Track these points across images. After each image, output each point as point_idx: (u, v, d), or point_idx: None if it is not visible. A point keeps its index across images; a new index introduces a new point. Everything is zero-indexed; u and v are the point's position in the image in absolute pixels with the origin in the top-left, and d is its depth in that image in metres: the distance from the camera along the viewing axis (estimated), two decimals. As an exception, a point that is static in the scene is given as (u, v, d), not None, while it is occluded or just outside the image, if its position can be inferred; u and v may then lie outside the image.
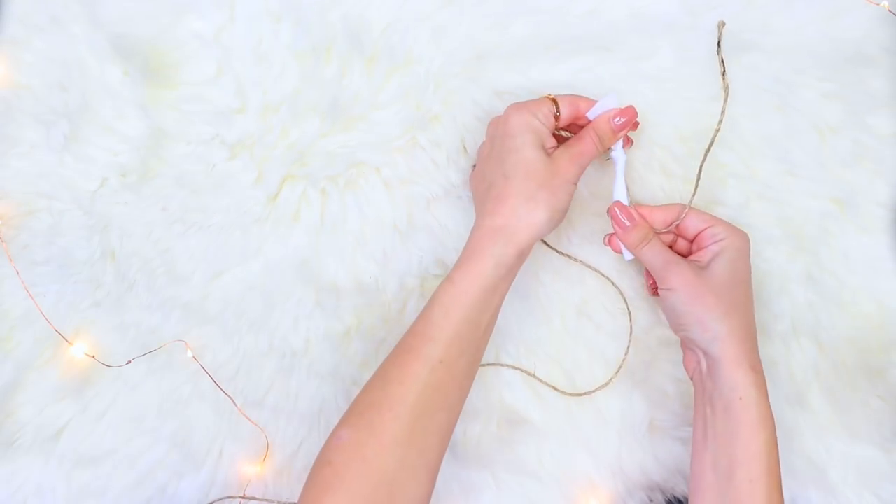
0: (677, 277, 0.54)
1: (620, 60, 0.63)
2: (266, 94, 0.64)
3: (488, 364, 0.64)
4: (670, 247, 0.58)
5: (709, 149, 0.58)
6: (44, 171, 0.64)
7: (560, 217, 0.55)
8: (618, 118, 0.56)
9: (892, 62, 0.62)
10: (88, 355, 0.63)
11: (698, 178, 0.59)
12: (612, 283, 0.63)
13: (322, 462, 0.51)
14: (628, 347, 0.63)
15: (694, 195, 0.58)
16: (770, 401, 0.52)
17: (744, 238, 0.56)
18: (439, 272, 0.64)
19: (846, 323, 0.62)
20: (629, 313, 0.63)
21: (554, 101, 0.57)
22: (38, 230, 0.64)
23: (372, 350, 0.64)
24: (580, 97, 0.58)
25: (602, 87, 0.63)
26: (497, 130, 0.57)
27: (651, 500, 0.63)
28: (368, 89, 0.63)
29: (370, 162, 0.64)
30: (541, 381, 0.63)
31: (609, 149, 0.58)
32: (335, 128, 0.64)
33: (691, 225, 0.57)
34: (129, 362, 0.63)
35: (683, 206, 0.58)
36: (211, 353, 0.64)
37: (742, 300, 0.54)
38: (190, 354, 0.63)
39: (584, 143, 0.56)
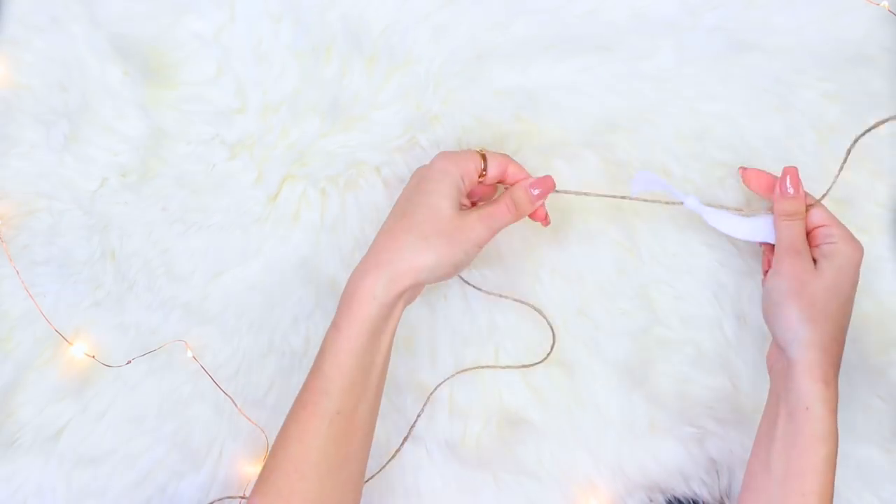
0: (792, 267, 0.53)
1: (620, 60, 0.63)
2: (266, 94, 0.64)
3: (481, 367, 0.64)
4: None
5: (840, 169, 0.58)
6: (44, 171, 0.64)
7: (450, 271, 0.53)
8: (535, 189, 0.56)
9: (892, 62, 0.62)
10: (88, 355, 0.63)
11: (840, 170, 0.58)
12: (541, 315, 0.63)
13: None
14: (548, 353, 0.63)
15: (828, 191, 0.57)
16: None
17: (858, 249, 0.54)
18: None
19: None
20: (553, 335, 0.63)
21: (483, 157, 0.56)
22: (38, 230, 0.64)
23: (372, 350, 0.64)
24: (509, 160, 0.57)
25: (602, 87, 0.63)
26: (417, 174, 0.56)
27: (651, 500, 0.63)
28: (368, 89, 0.63)
29: (370, 162, 0.64)
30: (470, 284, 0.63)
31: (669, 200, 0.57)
32: (335, 128, 0.64)
33: (813, 217, 0.56)
34: (129, 362, 0.63)
35: (814, 201, 0.57)
36: (211, 353, 0.64)
37: (836, 310, 0.53)
38: (190, 354, 0.63)
39: (498, 207, 0.55)
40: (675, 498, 0.63)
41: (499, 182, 0.58)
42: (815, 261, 0.54)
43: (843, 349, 0.53)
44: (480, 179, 0.57)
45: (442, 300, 0.64)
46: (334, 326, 0.52)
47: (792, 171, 0.56)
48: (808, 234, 0.56)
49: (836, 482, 0.61)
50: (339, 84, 0.63)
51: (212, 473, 0.64)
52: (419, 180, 0.55)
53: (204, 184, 0.64)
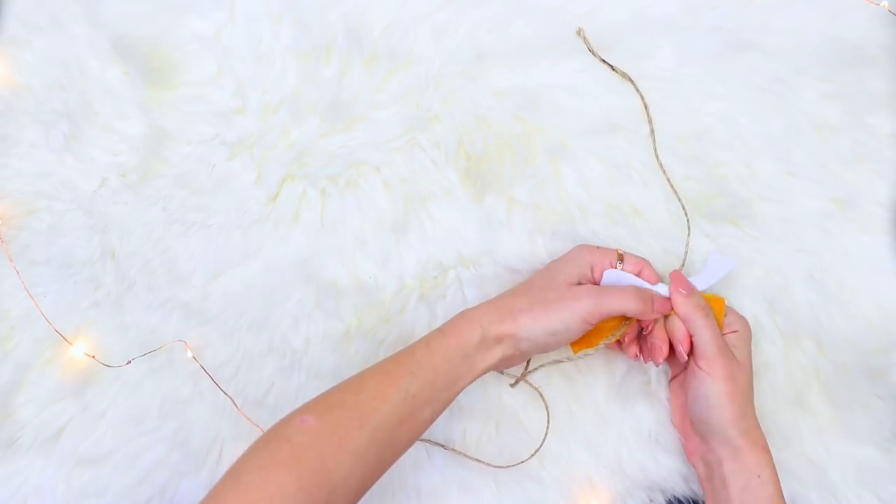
0: (726, 368, 0.55)
1: (620, 60, 0.63)
2: (266, 94, 0.64)
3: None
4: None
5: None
6: (44, 171, 0.64)
7: (548, 340, 0.55)
8: (680, 288, 0.57)
9: (892, 62, 0.62)
10: (88, 355, 0.63)
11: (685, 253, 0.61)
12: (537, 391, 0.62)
13: (280, 437, 0.50)
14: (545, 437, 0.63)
15: (683, 267, 0.61)
16: (766, 422, 0.57)
17: (747, 325, 0.59)
18: (438, 272, 0.64)
19: (846, 323, 0.62)
20: (546, 408, 0.63)
21: (620, 256, 0.59)
22: (38, 230, 0.64)
23: (372, 350, 0.64)
24: (646, 263, 0.59)
25: (602, 87, 0.63)
26: (564, 255, 0.60)
27: (651, 501, 0.63)
28: (368, 89, 0.64)
29: (370, 162, 0.64)
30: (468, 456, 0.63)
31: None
32: (335, 128, 0.64)
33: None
34: (129, 362, 0.63)
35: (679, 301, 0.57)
36: (211, 353, 0.64)
37: (751, 394, 0.57)
38: (190, 354, 0.63)
39: (617, 291, 0.56)
40: (675, 498, 0.63)
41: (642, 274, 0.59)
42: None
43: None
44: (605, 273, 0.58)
45: (441, 300, 0.64)
46: (440, 331, 0.55)
47: (675, 275, 0.58)
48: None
49: (836, 482, 0.61)
50: (339, 84, 0.63)
51: (212, 473, 0.64)
52: (552, 262, 0.60)
53: (204, 184, 0.64)
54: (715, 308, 0.58)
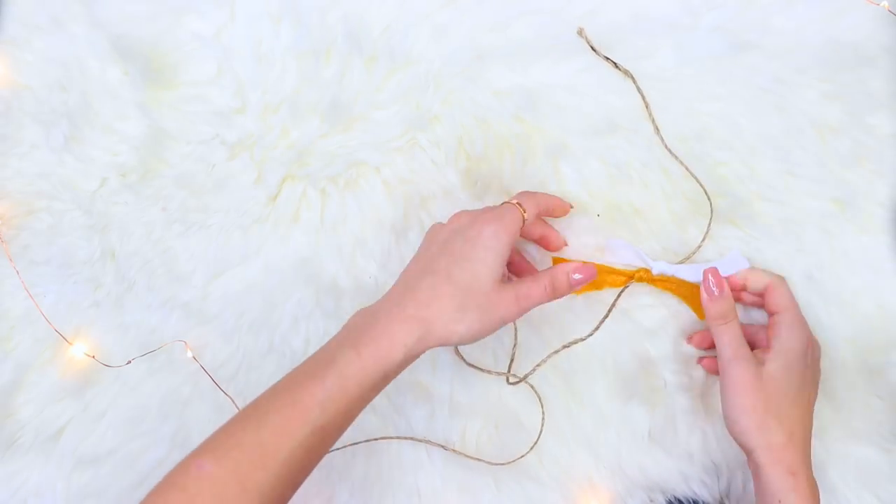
0: (738, 377, 0.54)
1: (620, 60, 0.63)
2: (266, 94, 0.64)
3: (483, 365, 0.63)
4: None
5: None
6: (44, 171, 0.64)
7: (472, 340, 0.52)
8: (576, 274, 0.55)
9: (892, 62, 0.62)
10: (88, 355, 0.63)
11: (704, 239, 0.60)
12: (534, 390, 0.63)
13: (174, 485, 0.47)
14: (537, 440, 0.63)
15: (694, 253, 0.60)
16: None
17: (801, 338, 0.55)
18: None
19: (846, 323, 0.62)
20: (541, 403, 0.63)
21: (519, 205, 0.55)
22: (38, 230, 0.64)
23: (372, 350, 0.64)
24: (539, 196, 0.57)
25: (602, 87, 0.63)
26: (464, 230, 0.54)
27: (651, 501, 0.63)
28: (368, 89, 0.64)
29: (370, 162, 0.64)
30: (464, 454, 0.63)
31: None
32: (335, 128, 0.64)
33: (776, 296, 0.57)
34: (129, 362, 0.63)
35: (777, 281, 0.57)
36: (211, 353, 0.64)
37: (791, 405, 0.54)
38: (190, 354, 0.63)
39: (535, 287, 0.53)
40: (675, 498, 0.63)
41: (540, 216, 0.59)
42: (766, 360, 0.54)
43: (809, 430, 0.55)
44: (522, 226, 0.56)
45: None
46: (356, 351, 0.50)
47: (713, 271, 0.56)
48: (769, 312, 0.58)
49: (836, 482, 0.61)
50: (339, 84, 0.63)
51: (212, 473, 0.64)
52: (466, 242, 0.53)
53: (204, 184, 0.64)
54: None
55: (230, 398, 0.64)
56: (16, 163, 0.64)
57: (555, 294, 0.54)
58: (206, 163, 0.64)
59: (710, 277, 0.56)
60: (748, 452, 0.54)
